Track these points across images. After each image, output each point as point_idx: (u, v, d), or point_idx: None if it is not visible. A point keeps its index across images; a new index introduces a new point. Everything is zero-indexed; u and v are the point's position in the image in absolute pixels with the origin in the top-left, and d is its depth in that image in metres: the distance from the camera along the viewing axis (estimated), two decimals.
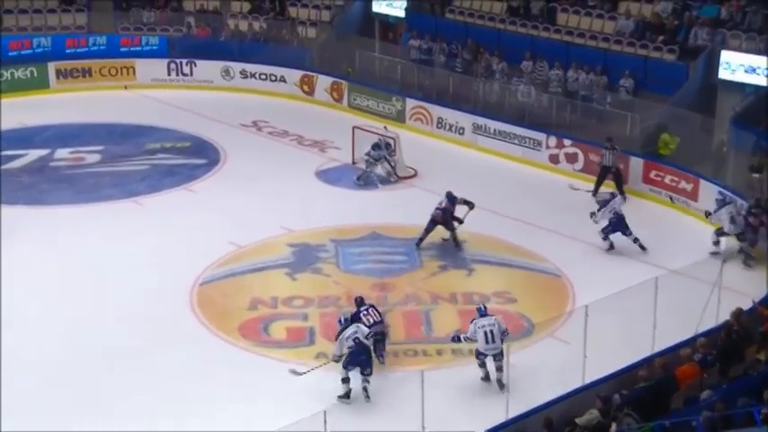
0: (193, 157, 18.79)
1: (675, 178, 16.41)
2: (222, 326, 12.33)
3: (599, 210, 14.77)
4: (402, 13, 22.74)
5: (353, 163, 18.17)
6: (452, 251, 14.58)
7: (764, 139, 15.96)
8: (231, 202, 16.42)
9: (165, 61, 23.48)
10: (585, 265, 14.12)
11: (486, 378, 11.16)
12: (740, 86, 17.41)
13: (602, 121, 18.52)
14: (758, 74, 17.02)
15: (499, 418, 9.65)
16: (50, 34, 23.49)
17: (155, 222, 15.55)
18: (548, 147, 18.48)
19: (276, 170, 18.04)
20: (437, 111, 20.33)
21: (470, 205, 14.91)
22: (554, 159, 18.36)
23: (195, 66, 23.43)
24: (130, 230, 15.17)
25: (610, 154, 16.80)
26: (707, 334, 10.69)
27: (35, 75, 22.78)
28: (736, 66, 17.34)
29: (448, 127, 20.13)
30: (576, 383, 10.11)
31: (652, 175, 16.85)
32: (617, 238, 14.61)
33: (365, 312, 11.42)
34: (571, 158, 18.14)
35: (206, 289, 13.35)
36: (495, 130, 19.31)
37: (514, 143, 18.99)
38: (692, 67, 18.34)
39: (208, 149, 19.24)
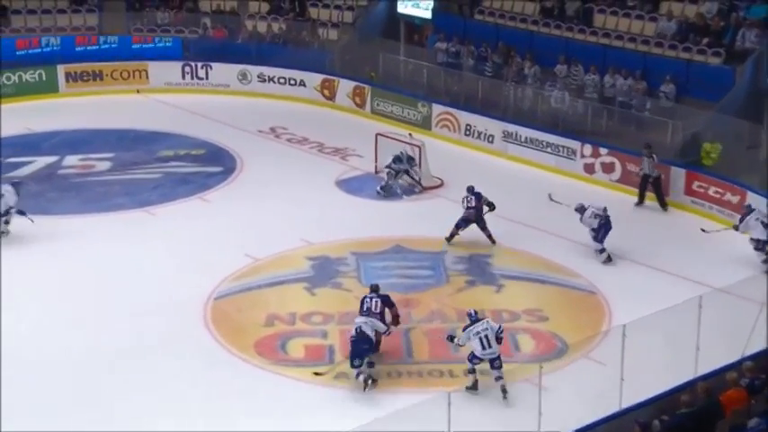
0: (208, 165, 18.95)
1: (720, 190, 16.30)
2: (237, 343, 12.40)
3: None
4: (428, 14, 22.85)
5: (376, 172, 18.24)
6: (481, 265, 14.59)
7: None
8: (247, 212, 16.53)
9: (180, 64, 23.74)
10: (622, 282, 14.06)
11: (474, 387, 11.28)
12: None
13: (641, 129, 18.46)
14: None
15: None
16: (60, 35, 23.83)
17: (167, 233, 15.68)
18: (582, 156, 18.44)
19: (295, 179, 18.15)
20: (465, 117, 20.36)
21: (492, 206, 15.20)
22: (589, 169, 18.31)
23: (211, 69, 23.66)
24: (141, 242, 15.32)
25: (648, 161, 16.75)
26: (755, 357, 10.59)
27: (43, 78, 23.10)
28: None
29: (476, 134, 20.15)
30: (612, 408, 10.05)
31: (694, 186, 16.76)
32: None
33: (369, 300, 11.85)
34: (608, 168, 18.09)
35: (220, 304, 13.43)
36: (526, 137, 19.30)
37: (547, 152, 18.97)
38: (739, 72, 18.23)
39: (223, 157, 19.39)
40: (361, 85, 22.38)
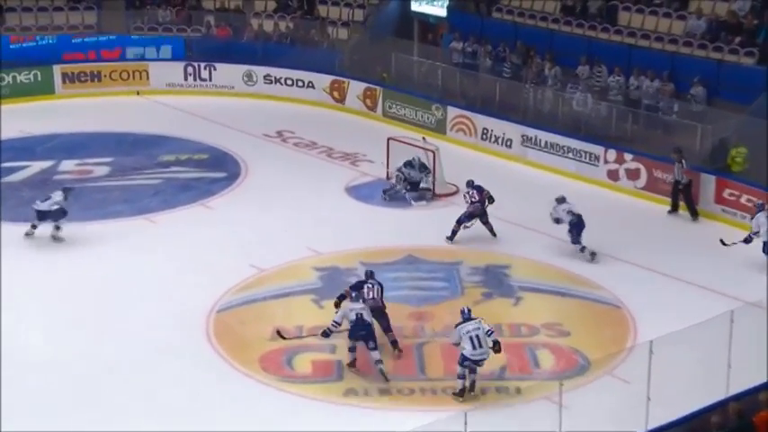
0: (211, 171, 19.02)
1: (753, 198, 16.24)
2: (241, 357, 12.42)
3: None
4: (443, 12, 22.90)
5: (388, 178, 18.25)
6: (498, 277, 14.58)
7: None
8: (252, 220, 16.57)
9: (182, 64, 23.86)
10: (649, 295, 14.01)
11: (461, 394, 11.46)
12: None
13: (669, 133, 18.42)
14: None
15: None
16: (56, 34, 24.00)
17: (168, 242, 15.74)
18: (606, 161, 18.41)
19: (302, 185, 18.19)
20: (482, 121, 20.37)
21: (491, 199, 15.68)
22: (613, 176, 18.28)
23: (214, 70, 23.77)
24: (141, 251, 15.37)
25: (678, 167, 16.72)
26: None
27: (39, 78, 23.24)
28: None
29: (494, 139, 20.16)
30: (638, 429, 10.01)
31: (725, 194, 16.71)
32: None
33: (369, 287, 12.45)
34: (633, 175, 18.05)
35: (224, 316, 13.46)
36: (546, 142, 19.29)
37: (568, 157, 18.95)
38: None
39: (227, 162, 19.46)
40: (373, 86, 22.42)
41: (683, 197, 16.82)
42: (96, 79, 23.73)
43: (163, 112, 22.73)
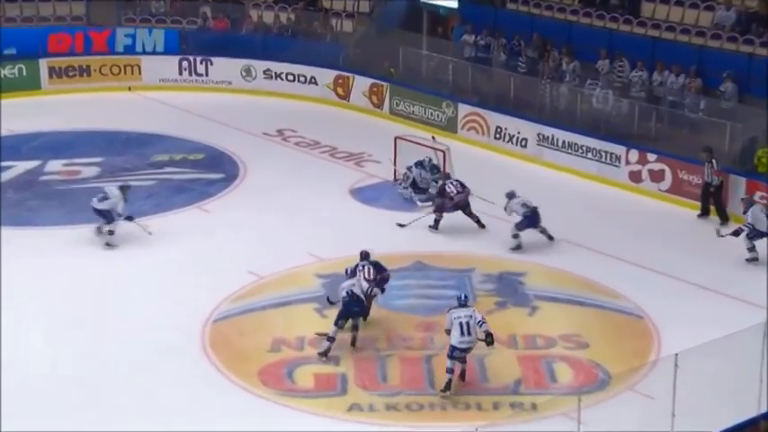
0: (208, 172, 19.07)
1: None
2: (239, 370, 12.44)
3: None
4: (454, 4, 22.91)
5: (395, 180, 18.27)
6: (512, 285, 14.59)
7: None
8: (251, 224, 16.60)
9: (176, 59, 23.93)
10: (674, 305, 14.00)
11: (447, 388, 11.80)
12: None
13: (696, 132, 18.42)
14: None
15: None
16: (43, 26, 24.06)
17: (161, 247, 15.76)
18: (628, 162, 18.41)
19: (304, 187, 18.23)
20: (495, 118, 20.39)
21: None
22: (636, 177, 18.28)
23: (211, 64, 23.85)
24: (132, 257, 15.42)
25: (707, 167, 16.71)
26: None
27: (24, 73, 23.32)
28: None
29: (508, 138, 20.17)
30: None
31: (756, 197, 16.68)
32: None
33: (361, 268, 13.06)
34: (656, 176, 18.05)
35: (220, 326, 13.49)
36: (564, 141, 19.30)
37: (588, 158, 18.95)
38: None
39: (225, 162, 19.51)
40: (379, 82, 22.46)
41: (713, 200, 16.80)
42: (85, 74, 23.81)
43: (156, 110, 22.79)
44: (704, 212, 16.94)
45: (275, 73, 23.61)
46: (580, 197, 18.00)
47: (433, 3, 23.04)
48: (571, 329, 13.41)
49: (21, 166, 19.15)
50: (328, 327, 13.10)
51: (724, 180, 16.76)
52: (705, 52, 19.46)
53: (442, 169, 17.75)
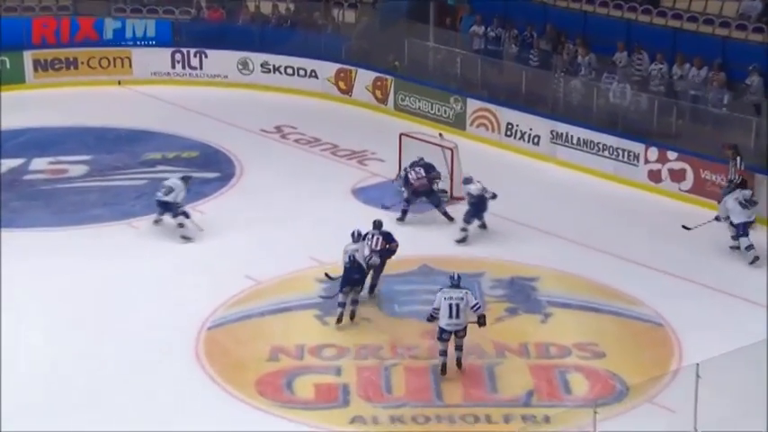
0: (202, 171, 19.10)
1: None
2: (235, 380, 12.47)
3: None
4: None
5: (395, 180, 18.25)
6: (524, 290, 14.62)
7: None
8: (248, 226, 16.64)
9: (169, 51, 24.00)
10: (695, 311, 14.02)
11: (443, 370, 12.21)
12: None
13: (719, 129, 18.40)
14: None
15: None
16: (28, 16, 24.11)
17: (152, 250, 15.82)
18: (647, 161, 18.43)
19: (304, 187, 18.26)
20: (506, 114, 20.42)
21: (439, 176, 16.80)
22: (655, 177, 18.29)
23: (206, 57, 23.90)
24: (122, 260, 15.44)
25: (732, 164, 16.73)
26: None
27: (7, 66, 23.35)
28: None
29: (519, 135, 20.20)
30: None
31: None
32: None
33: (371, 237, 13.93)
34: (677, 176, 18.06)
35: (215, 334, 13.53)
36: (579, 139, 19.32)
37: (604, 156, 18.98)
38: None
39: (220, 161, 19.57)
40: (383, 76, 22.49)
41: None
42: (72, 67, 23.87)
43: (147, 105, 22.84)
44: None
45: (273, 66, 23.65)
46: (596, 198, 18.01)
47: None
48: (586, 338, 13.41)
49: (3, 165, 19.16)
50: (329, 334, 13.15)
51: (748, 180, 16.75)
52: (729, 44, 19.45)
53: (449, 168, 17.78)
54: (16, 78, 23.37)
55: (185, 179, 16.36)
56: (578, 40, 20.84)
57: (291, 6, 24.74)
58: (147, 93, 23.41)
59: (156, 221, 16.36)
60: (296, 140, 20.70)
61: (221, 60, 23.84)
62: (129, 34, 24.14)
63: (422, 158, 17.50)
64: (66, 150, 19.96)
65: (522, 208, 17.28)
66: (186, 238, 16.03)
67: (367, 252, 13.78)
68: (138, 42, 24.10)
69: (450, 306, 12.16)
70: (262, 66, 23.68)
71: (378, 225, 14.26)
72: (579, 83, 20.30)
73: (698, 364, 10.36)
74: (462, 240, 16.04)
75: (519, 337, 13.37)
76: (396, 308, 13.98)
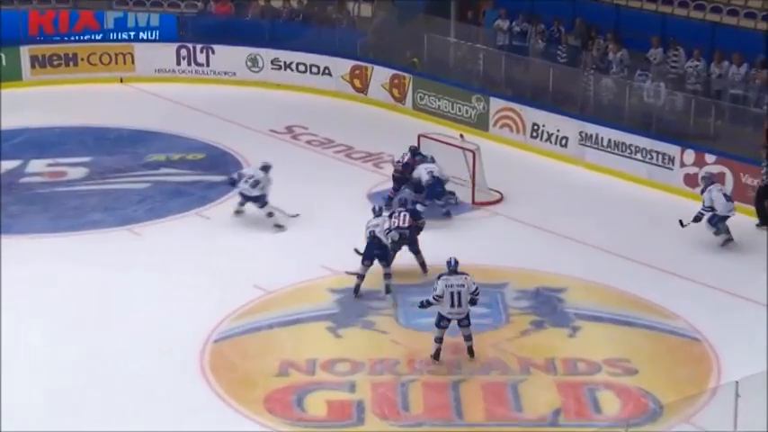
0: (208, 173, 19.17)
1: None
2: (242, 397, 12.47)
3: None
4: None
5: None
6: (551, 302, 14.58)
7: None
8: (257, 232, 16.68)
9: (174, 46, 24.08)
10: (734, 326, 13.96)
11: (437, 356, 12.79)
12: None
13: (760, 130, 18.31)
14: None
15: None
16: (25, 9, 24.23)
17: (155, 258, 15.85)
18: (683, 164, 18.37)
19: (316, 191, 18.28)
20: (531, 114, 20.40)
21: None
22: (692, 181, 18.23)
23: (213, 53, 23.98)
24: (123, 269, 15.47)
25: (765, 164, 16.64)
26: None
27: (3, 62, 23.48)
28: None
29: (546, 136, 20.17)
30: None
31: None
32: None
33: (397, 215, 14.84)
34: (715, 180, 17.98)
35: (222, 347, 13.54)
36: (609, 140, 19.28)
37: (637, 159, 18.93)
38: None
39: (227, 163, 19.60)
40: (401, 73, 22.51)
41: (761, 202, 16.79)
42: (72, 63, 23.99)
43: (151, 104, 22.93)
44: (764, 220, 16.83)
45: (284, 63, 23.70)
46: (627, 203, 17.94)
47: None
48: (617, 353, 13.37)
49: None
50: (342, 348, 13.14)
51: None
52: None
53: (470, 172, 17.76)
54: (13, 75, 23.50)
55: (266, 168, 16.91)
56: (609, 35, 20.82)
57: (304, 0, 24.77)
58: (150, 91, 23.49)
59: (238, 212, 16.89)
60: (308, 142, 20.73)
61: (229, 56, 23.91)
62: (131, 23, 24.19)
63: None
64: (64, 152, 20.06)
65: (548, 214, 17.24)
66: (279, 227, 16.67)
67: (386, 227, 14.56)
68: (142, 32, 24.16)
69: (452, 294, 12.68)
70: (272, 62, 23.74)
71: (403, 203, 15.39)
72: (610, 81, 20.26)
73: (737, 382, 10.31)
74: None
75: (545, 352, 13.33)
76: (413, 320, 13.95)
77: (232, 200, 18.02)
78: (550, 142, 20.10)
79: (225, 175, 18.98)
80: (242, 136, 20.80)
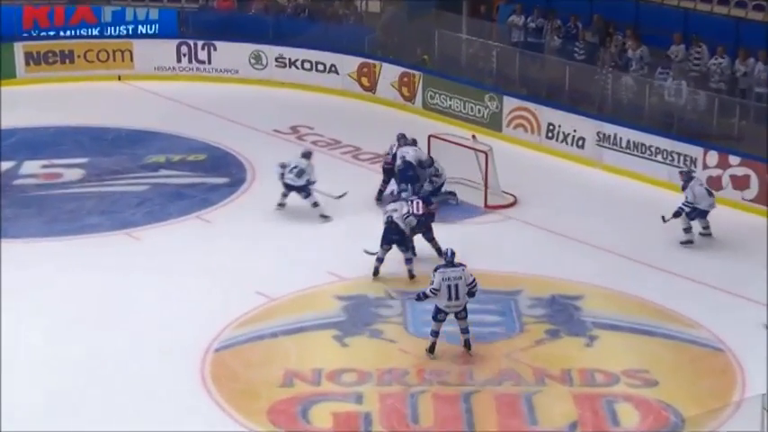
0: (210, 175, 19.22)
1: None
2: (245, 408, 12.48)
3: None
4: None
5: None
6: (567, 310, 14.58)
7: None
8: (260, 237, 16.72)
9: (174, 43, 24.14)
10: (760, 335, 13.89)
11: (432, 350, 13.19)
12: None
13: None
14: None
15: None
16: (19, 4, 24.32)
17: (155, 263, 15.88)
18: (706, 166, 18.36)
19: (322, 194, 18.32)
20: (547, 114, 20.41)
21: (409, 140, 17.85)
22: (715, 184, 18.21)
23: (214, 50, 24.02)
24: (121, 274, 15.50)
25: None
26: None
27: None
28: None
29: (562, 137, 20.17)
30: None
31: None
32: None
33: (410, 202, 15.53)
34: (740, 183, 17.98)
35: (224, 356, 13.56)
36: (628, 141, 19.28)
37: (657, 161, 18.92)
38: None
39: (229, 164, 19.66)
40: (410, 71, 22.53)
41: None
42: (68, 60, 24.05)
43: (150, 102, 22.98)
44: None
45: (289, 60, 23.74)
46: (647, 207, 17.91)
47: None
48: (636, 364, 13.37)
49: None
50: (349, 357, 13.16)
51: None
52: None
53: (483, 174, 17.77)
54: (6, 73, 23.54)
55: (307, 155, 17.37)
56: (629, 31, 20.81)
57: None
58: (149, 89, 23.55)
59: (281, 205, 17.34)
60: (313, 142, 20.73)
61: (232, 53, 23.95)
62: (129, 17, 24.23)
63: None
64: (60, 152, 20.11)
65: (564, 218, 17.24)
66: (325, 218, 17.18)
67: (404, 211, 15.24)
68: (141, 26, 24.23)
69: (450, 288, 12.99)
70: (276, 60, 23.78)
71: (417, 191, 16.21)
72: (629, 79, 20.26)
73: (764, 395, 10.29)
74: (378, 199, 17.72)
75: (561, 362, 13.34)
76: (422, 328, 13.95)
77: (234, 203, 18.11)
78: (566, 143, 20.10)
79: (227, 177, 19.10)
80: (245, 136, 20.83)
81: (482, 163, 17.93)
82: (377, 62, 23.00)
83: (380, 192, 17.85)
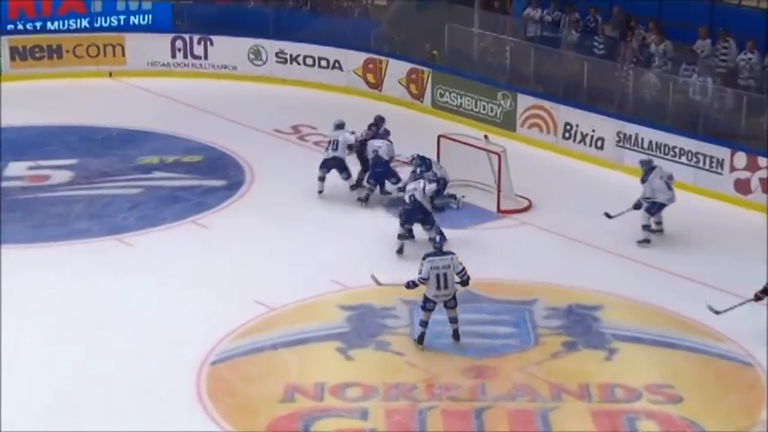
0: (206, 178, 19.25)
1: None
2: (243, 424, 12.47)
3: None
4: None
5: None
6: (585, 321, 14.57)
7: None
8: (259, 243, 16.73)
9: (169, 37, 24.22)
10: None
11: (420, 340, 13.60)
12: None
13: None
14: None
15: None
16: None
17: (147, 271, 15.89)
18: (733, 168, 18.37)
19: (324, 197, 18.31)
20: (564, 113, 20.43)
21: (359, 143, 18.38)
22: (743, 187, 18.22)
23: (211, 45, 24.11)
24: (112, 282, 15.53)
25: None
26: None
27: None
28: None
29: (580, 137, 20.19)
30: None
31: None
32: None
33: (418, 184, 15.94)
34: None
35: (221, 369, 13.57)
36: (651, 142, 19.28)
37: (681, 162, 18.93)
38: None
39: (227, 166, 19.69)
40: (419, 67, 22.58)
41: None
42: (56, 55, 24.14)
43: (143, 100, 23.03)
44: None
45: (290, 56, 23.79)
46: (671, 212, 17.85)
47: None
48: (659, 378, 13.36)
49: None
50: (354, 371, 13.17)
51: None
52: None
53: (496, 176, 17.77)
54: None
55: (340, 126, 18.18)
56: (651, 24, 20.84)
57: None
58: (142, 86, 23.60)
59: (321, 191, 18.01)
60: (316, 143, 20.76)
61: (229, 49, 24.05)
62: (120, 7, 24.26)
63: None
64: (47, 153, 20.15)
65: (582, 223, 17.24)
66: (363, 201, 17.89)
67: (429, 188, 15.84)
68: (133, 16, 24.26)
69: (438, 276, 13.39)
70: (276, 55, 23.84)
71: (420, 174, 16.41)
72: (652, 76, 20.27)
73: None
74: (365, 200, 17.90)
75: (579, 376, 13.32)
76: (431, 340, 13.96)
77: (232, 207, 18.12)
78: (584, 144, 20.12)
79: (224, 179, 19.12)
80: (243, 136, 20.87)
81: (495, 165, 17.94)
82: (383, 58, 23.04)
83: (358, 180, 18.28)
